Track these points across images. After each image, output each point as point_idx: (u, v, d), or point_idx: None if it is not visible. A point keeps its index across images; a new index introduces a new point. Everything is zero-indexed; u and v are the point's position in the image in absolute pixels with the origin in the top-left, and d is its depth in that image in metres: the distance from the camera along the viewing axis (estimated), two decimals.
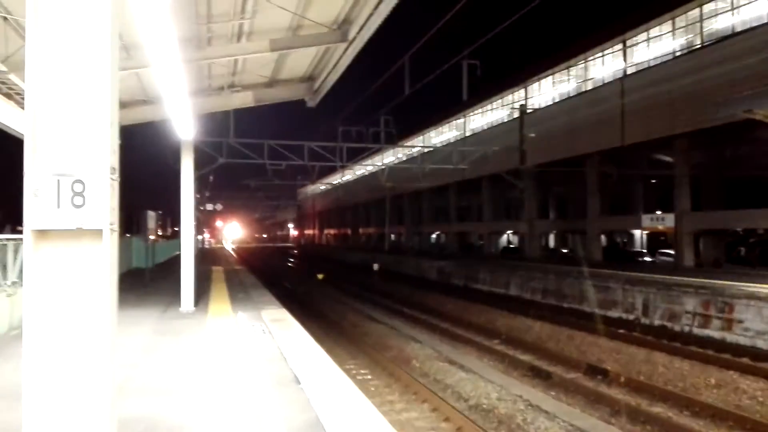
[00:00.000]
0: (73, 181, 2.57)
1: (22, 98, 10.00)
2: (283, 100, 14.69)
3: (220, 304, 14.54)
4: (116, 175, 2.71)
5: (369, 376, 12.46)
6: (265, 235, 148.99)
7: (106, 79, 2.60)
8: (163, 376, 7.23)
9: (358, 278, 36.88)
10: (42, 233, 2.56)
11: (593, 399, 10.65)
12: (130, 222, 22.41)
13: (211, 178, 35.69)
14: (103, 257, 2.60)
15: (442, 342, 16.13)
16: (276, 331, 10.46)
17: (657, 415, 9.53)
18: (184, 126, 11.52)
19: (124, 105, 13.25)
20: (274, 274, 38.96)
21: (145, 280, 19.42)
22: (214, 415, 5.63)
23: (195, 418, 5.55)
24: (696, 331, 16.13)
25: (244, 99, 14.24)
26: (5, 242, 10.21)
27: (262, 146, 29.31)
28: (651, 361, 13.33)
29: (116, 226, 2.69)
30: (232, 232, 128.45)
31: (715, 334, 15.51)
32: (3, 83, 10.01)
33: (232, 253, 68.26)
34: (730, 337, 15.07)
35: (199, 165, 21.63)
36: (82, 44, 2.58)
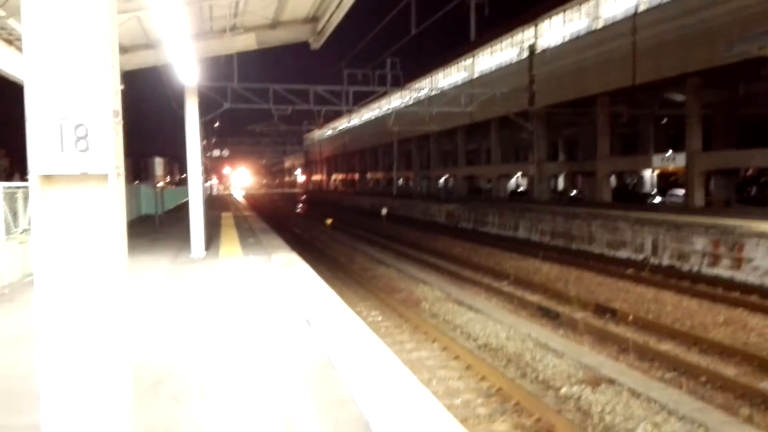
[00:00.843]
0: (76, 125, 2.54)
1: (20, 41, 9.84)
2: (287, 42, 14.41)
3: (230, 248, 14.65)
4: (119, 119, 2.67)
5: (379, 318, 12.63)
6: (273, 181, 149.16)
7: (104, 19, 2.53)
8: (176, 320, 7.34)
9: (366, 223, 37.02)
10: (48, 178, 2.54)
11: (601, 338, 10.77)
12: (138, 169, 22.44)
13: (217, 123, 35.44)
14: (109, 201, 2.58)
15: (451, 284, 16.26)
16: (286, 274, 10.56)
17: (665, 353, 9.63)
18: (187, 70, 11.36)
19: (125, 50, 13.05)
20: (282, 220, 39.17)
21: (155, 227, 19.56)
22: (225, 357, 5.72)
23: (207, 359, 5.65)
24: (705, 270, 16.17)
25: (246, 42, 13.98)
26: (15, 190, 10.24)
27: (267, 91, 28.97)
28: (659, 300, 13.42)
29: (122, 170, 2.67)
30: (241, 179, 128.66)
31: (725, 272, 15.55)
32: (2, 29, 9.85)
33: (241, 199, 68.48)
34: (739, 276, 15.11)
35: (203, 110, 21.47)
36: None
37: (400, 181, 66.86)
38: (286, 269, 11.16)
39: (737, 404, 7.67)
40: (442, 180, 58.72)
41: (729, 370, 8.93)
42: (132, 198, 23.81)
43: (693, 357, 9.58)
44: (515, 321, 11.88)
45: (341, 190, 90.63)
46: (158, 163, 18.97)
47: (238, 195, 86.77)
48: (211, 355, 5.80)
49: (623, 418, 7.11)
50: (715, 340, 10.26)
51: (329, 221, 37.14)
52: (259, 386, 4.90)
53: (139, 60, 13.58)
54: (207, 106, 25.61)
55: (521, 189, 47.31)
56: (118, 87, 2.68)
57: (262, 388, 4.84)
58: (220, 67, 23.90)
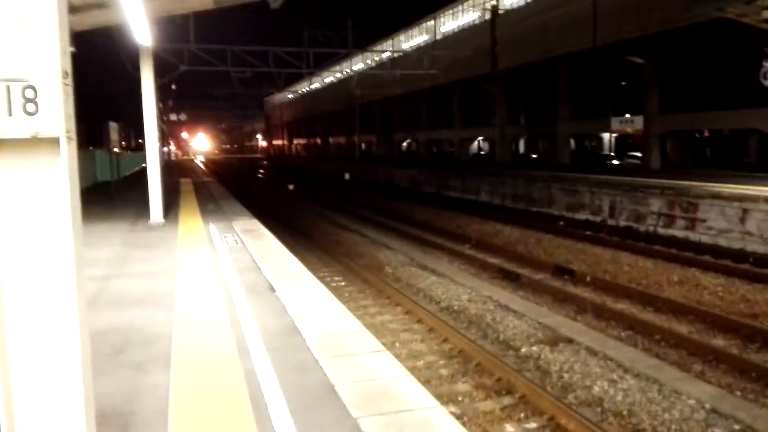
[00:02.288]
0: (24, 87, 2.43)
1: None
2: (245, 1, 14.03)
3: (190, 215, 14.43)
4: (69, 80, 2.55)
5: (343, 283, 12.66)
6: (233, 146, 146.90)
7: None
8: (136, 288, 7.23)
9: (329, 188, 36.85)
10: None
11: (560, 298, 11.00)
12: (92, 134, 21.80)
13: (174, 86, 34.55)
14: (61, 166, 2.49)
15: (414, 248, 16.36)
16: (248, 241, 10.47)
17: (620, 312, 9.90)
18: (142, 31, 10.98)
19: (76, 9, 12.51)
20: (243, 186, 38.70)
21: (112, 193, 19.12)
22: (189, 324, 5.67)
23: (170, 326, 5.59)
24: (661, 231, 16.60)
25: (203, 1, 13.56)
26: None
27: (225, 53, 28.34)
28: (616, 261, 13.75)
29: (73, 134, 2.56)
30: (200, 144, 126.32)
31: (679, 233, 15.99)
32: None
33: (200, 165, 67.36)
34: (693, 236, 15.56)
35: (160, 73, 20.87)
36: None
37: (363, 146, 66.59)
38: (248, 236, 11.06)
39: (690, 361, 7.95)
40: (405, 144, 58.67)
41: (682, 328, 9.23)
42: (87, 164, 23.15)
43: (648, 316, 9.87)
44: (477, 284, 12.04)
45: (303, 154, 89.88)
46: (113, 128, 18.44)
47: (198, 160, 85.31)
48: (174, 322, 5.73)
49: (581, 376, 7.31)
50: (669, 298, 10.58)
51: (291, 186, 36.86)
52: (223, 353, 4.87)
53: (92, 20, 13.05)
54: (163, 68, 24.91)
55: (483, 152, 47.61)
56: (67, 47, 2.56)
57: (226, 355, 4.82)
58: (177, 28, 23.23)
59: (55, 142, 2.46)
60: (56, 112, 2.44)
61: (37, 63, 2.43)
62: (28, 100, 2.44)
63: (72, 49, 2.66)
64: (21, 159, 2.49)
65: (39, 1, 2.41)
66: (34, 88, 2.44)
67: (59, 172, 2.50)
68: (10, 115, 2.42)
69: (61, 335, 2.52)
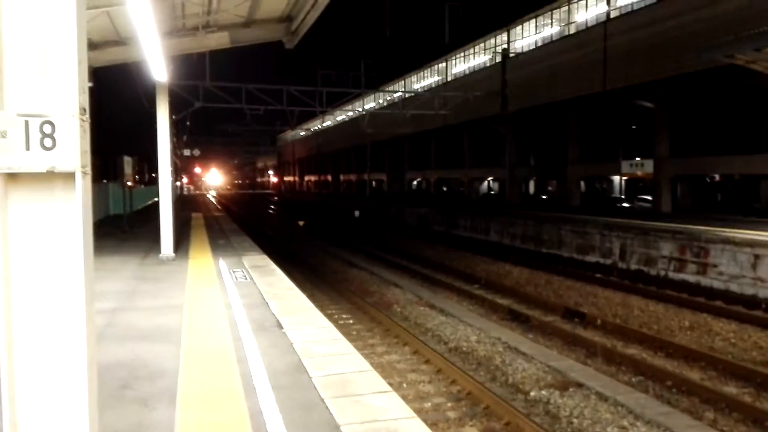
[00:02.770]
0: (42, 122, 2.48)
1: None
2: (261, 41, 14.30)
3: (200, 250, 14.48)
4: (87, 116, 2.60)
5: (351, 321, 12.60)
6: (245, 182, 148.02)
7: (71, 14, 2.48)
8: (144, 322, 7.21)
9: (339, 225, 36.94)
10: (12, 176, 2.48)
11: (570, 341, 10.88)
12: (106, 168, 22.04)
13: (188, 120, 35.04)
14: (76, 200, 2.52)
15: (423, 287, 16.30)
16: (257, 276, 10.47)
17: (631, 357, 9.77)
18: (159, 68, 11.20)
19: (95, 46, 12.82)
20: (254, 221, 38.87)
21: (124, 227, 19.23)
22: (196, 359, 5.64)
23: (177, 362, 5.56)
24: (672, 275, 16.45)
25: (219, 40, 13.84)
26: None
27: (240, 90, 28.76)
28: (627, 305, 13.62)
29: (89, 169, 2.61)
30: (212, 179, 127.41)
31: (691, 278, 15.85)
32: None
33: (212, 200, 67.83)
34: (704, 281, 15.41)
35: (175, 109, 21.21)
36: None
37: (374, 183, 66.90)
38: (257, 271, 11.06)
39: (702, 408, 7.81)
40: (415, 182, 58.89)
41: (694, 374, 9.09)
42: (100, 197, 23.39)
43: (659, 361, 9.73)
44: (486, 324, 11.95)
45: (314, 191, 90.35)
46: (127, 162, 18.65)
47: (210, 195, 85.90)
48: (181, 357, 5.70)
49: (591, 421, 7.19)
50: (681, 344, 10.44)
51: (301, 223, 36.96)
52: (229, 390, 4.83)
53: (110, 57, 13.36)
54: (178, 104, 25.33)
55: (493, 192, 47.68)
56: (86, 84, 2.62)
57: (232, 392, 4.78)
58: (192, 65, 23.65)
59: (70, 176, 2.50)
60: (73, 148, 2.48)
61: (56, 99, 2.48)
62: (45, 135, 2.49)
63: (89, 84, 2.71)
64: (37, 192, 2.53)
65: (60, 40, 2.48)
66: (52, 124, 2.49)
67: (74, 206, 2.53)
68: (28, 149, 2.46)
69: (69, 367, 2.52)
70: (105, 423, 2.85)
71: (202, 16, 12.59)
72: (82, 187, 2.52)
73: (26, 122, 2.47)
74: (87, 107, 2.61)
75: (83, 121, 2.54)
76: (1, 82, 2.44)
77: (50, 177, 2.51)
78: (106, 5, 9.52)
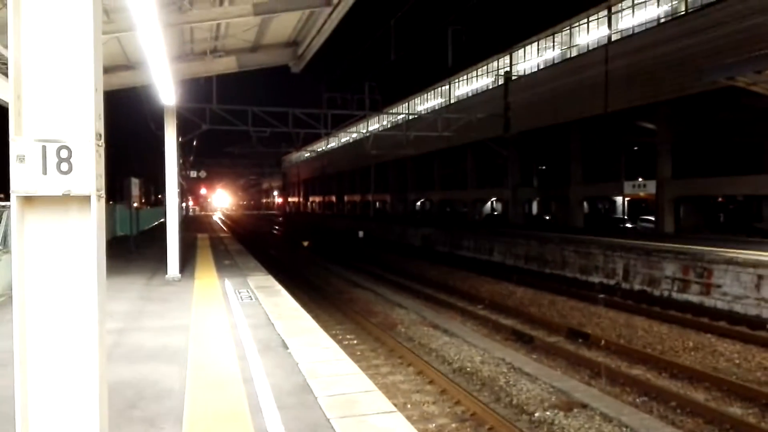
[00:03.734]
0: (59, 147, 2.57)
1: (6, 65, 9.78)
2: (267, 66, 14.53)
3: (206, 270, 14.56)
4: (102, 141, 2.70)
5: (355, 341, 12.61)
6: (250, 203, 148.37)
7: (89, 43, 2.58)
8: (150, 342, 7.28)
9: (343, 245, 37.00)
10: (28, 200, 2.57)
11: (574, 362, 10.88)
12: (113, 189, 22.23)
13: (195, 142, 35.34)
14: (90, 223, 2.61)
15: (427, 307, 16.31)
16: (263, 297, 10.53)
17: (636, 377, 9.76)
18: (167, 91, 11.38)
19: (105, 70, 12.94)
20: (259, 242, 38.95)
21: (130, 248, 19.35)
22: (203, 379, 5.70)
23: (183, 382, 5.62)
24: (675, 295, 16.44)
25: (227, 64, 14.06)
26: None
27: (246, 113, 29.04)
28: (631, 325, 13.61)
29: (103, 193, 2.69)
30: (218, 201, 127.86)
31: (694, 298, 15.83)
32: None
33: (217, 221, 68.01)
34: (708, 302, 15.40)
35: (182, 131, 21.42)
36: (64, 7, 2.55)
37: (378, 204, 67.06)
38: (262, 292, 11.13)
39: (707, 429, 7.80)
40: (418, 203, 59.03)
41: (699, 395, 9.08)
42: (107, 218, 23.49)
43: (663, 382, 9.72)
44: (490, 345, 11.95)
45: (319, 212, 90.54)
46: (134, 184, 18.83)
47: (215, 216, 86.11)
48: (187, 377, 5.76)
49: None
50: (685, 364, 10.43)
51: (306, 243, 37.04)
52: (235, 410, 4.88)
53: (119, 81, 13.57)
54: (185, 126, 25.59)
55: (497, 213, 47.77)
56: (101, 110, 2.72)
57: (238, 412, 4.83)
58: (200, 87, 23.98)
59: (86, 200, 2.59)
60: (89, 172, 2.57)
61: (73, 125, 2.57)
62: (62, 160, 2.58)
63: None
64: (53, 215, 2.61)
65: (77, 67, 2.58)
66: (68, 149, 2.58)
67: (88, 229, 2.62)
68: (45, 173, 2.55)
69: (80, 385, 2.59)
70: None
71: (210, 41, 12.83)
72: (97, 210, 2.61)
73: (44, 147, 2.56)
74: (102, 133, 2.71)
75: (98, 146, 2.63)
76: (20, 108, 2.54)
77: (66, 200, 2.59)
78: (117, 31, 9.72)
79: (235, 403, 5.05)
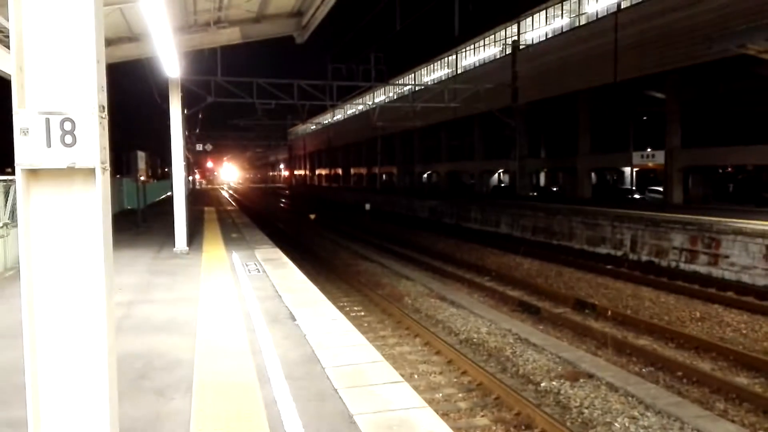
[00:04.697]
0: (63, 120, 2.55)
1: (7, 37, 9.73)
2: (272, 36, 14.39)
3: (213, 243, 14.62)
4: (105, 114, 2.68)
5: (362, 313, 12.69)
6: (256, 176, 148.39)
7: (90, 14, 2.55)
8: (159, 314, 7.34)
9: (349, 218, 37.05)
10: (33, 173, 2.56)
11: (581, 332, 10.92)
12: (119, 162, 22.22)
13: (200, 115, 35.26)
14: (95, 196, 2.60)
15: (434, 279, 16.36)
16: (270, 269, 10.58)
17: (642, 347, 9.80)
18: (171, 63, 11.31)
19: (108, 42, 12.93)
20: (266, 215, 39.05)
21: (137, 221, 19.43)
22: (211, 351, 5.75)
23: (192, 353, 5.67)
24: (683, 266, 16.42)
25: (231, 35, 13.93)
26: None
27: (251, 85, 28.88)
28: (638, 296, 13.62)
29: (107, 165, 2.68)
30: (224, 174, 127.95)
31: (702, 269, 15.81)
32: None
33: (224, 194, 68.13)
34: (716, 272, 15.37)
35: (187, 104, 21.33)
36: None
37: (384, 176, 66.93)
38: (269, 264, 11.17)
39: (713, 398, 7.83)
40: (425, 175, 58.87)
41: (705, 365, 9.11)
42: (114, 192, 23.60)
43: (670, 352, 9.75)
44: (496, 316, 12.00)
45: (325, 185, 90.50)
46: (140, 157, 18.82)
47: (222, 189, 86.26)
48: (196, 348, 5.81)
49: (601, 412, 7.24)
50: (692, 335, 10.45)
51: (312, 216, 37.10)
52: (244, 380, 4.93)
53: (123, 53, 13.48)
54: (190, 99, 25.49)
55: (504, 185, 47.61)
56: (104, 82, 2.70)
57: (247, 382, 4.88)
58: (204, 60, 23.80)
59: (90, 172, 2.58)
60: (92, 144, 2.55)
61: (76, 97, 2.55)
62: (66, 133, 2.56)
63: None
64: (57, 188, 2.60)
65: (79, 39, 2.55)
66: (72, 121, 2.56)
67: (93, 201, 2.61)
68: (49, 146, 2.54)
69: (89, 357, 2.60)
70: (122, 412, 2.94)
71: (213, 11, 12.68)
72: (102, 183, 2.60)
73: (47, 120, 2.54)
74: (105, 105, 2.69)
75: (102, 118, 2.61)
76: (22, 81, 2.52)
77: (70, 173, 2.58)
78: (120, 2, 9.62)
79: (244, 373, 5.09)
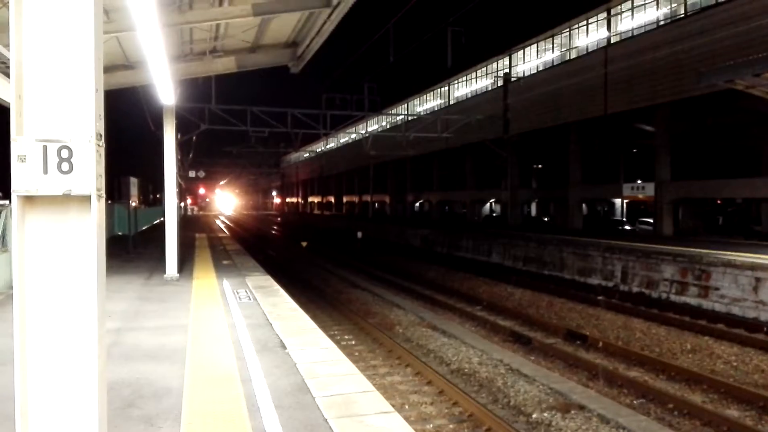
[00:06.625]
0: (60, 147, 2.58)
1: (7, 66, 9.79)
2: (267, 66, 14.54)
3: (204, 270, 14.56)
4: (102, 142, 2.71)
5: (353, 342, 12.62)
6: (249, 203, 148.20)
7: (89, 43, 2.59)
8: (148, 342, 7.28)
9: (341, 246, 37.00)
10: (29, 199, 2.58)
11: (572, 363, 10.90)
12: (111, 188, 22.23)
13: (194, 138, 35.39)
14: (91, 223, 2.62)
15: (425, 308, 16.32)
16: (261, 297, 10.54)
17: (633, 379, 9.79)
18: (166, 91, 11.38)
19: (104, 70, 13.00)
20: (257, 242, 38.94)
21: (128, 247, 19.34)
22: (201, 379, 5.70)
23: (182, 381, 5.62)
24: (673, 297, 16.47)
25: (226, 64, 14.07)
26: None
27: (245, 113, 29.07)
28: (629, 327, 13.63)
29: (103, 192, 2.71)
30: (216, 201, 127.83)
31: (692, 300, 15.86)
32: None
33: (216, 221, 67.96)
34: (706, 304, 15.42)
35: (181, 131, 21.42)
36: (65, 8, 2.56)
37: (376, 205, 67.06)
38: (260, 292, 11.13)
39: (704, 431, 7.81)
40: (417, 204, 59.02)
41: (696, 397, 9.10)
42: (106, 218, 23.50)
43: (661, 384, 9.74)
44: (488, 346, 11.97)
45: (317, 212, 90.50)
46: (133, 183, 18.84)
47: (214, 216, 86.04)
48: (185, 377, 5.77)
49: None
50: (683, 367, 10.44)
51: (304, 243, 37.04)
52: (233, 409, 4.89)
53: (118, 80, 13.57)
54: (184, 126, 25.59)
55: (495, 214, 47.79)
56: (101, 110, 2.73)
57: (236, 412, 4.84)
58: (199, 87, 23.97)
59: (86, 199, 2.60)
60: (89, 172, 2.58)
61: (73, 125, 2.58)
62: (63, 160, 2.59)
63: None
64: (53, 215, 2.62)
65: (78, 68, 2.59)
66: (69, 149, 2.59)
67: (88, 228, 2.63)
68: (46, 173, 2.56)
69: (80, 383, 2.59)
70: None
71: (209, 41, 12.83)
72: (97, 210, 2.62)
73: (44, 147, 2.57)
74: (102, 133, 2.72)
75: (99, 146, 2.64)
76: (21, 108, 2.55)
77: (66, 200, 2.61)
78: (117, 31, 9.72)
79: (233, 402, 5.05)
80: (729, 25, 22.15)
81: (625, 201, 36.55)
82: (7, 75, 9.10)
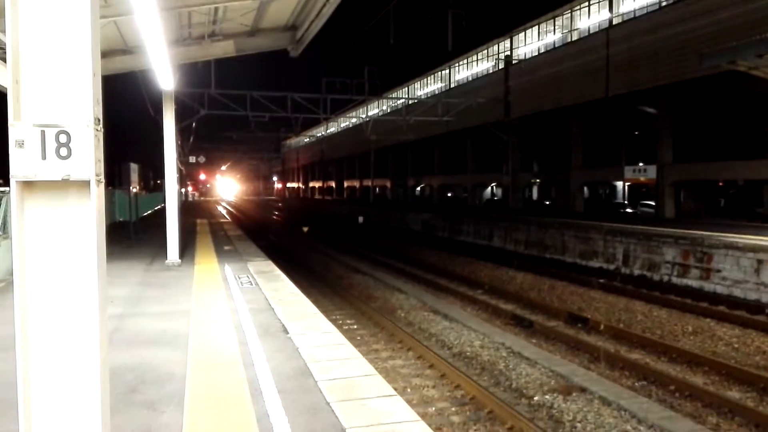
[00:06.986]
0: (58, 132, 2.56)
1: (4, 51, 9.74)
2: (266, 50, 14.43)
3: (206, 256, 14.57)
4: (101, 126, 2.69)
5: (355, 326, 12.66)
6: (250, 188, 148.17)
7: (86, 27, 2.56)
8: (151, 327, 7.30)
9: (342, 231, 37.02)
10: (28, 185, 2.56)
11: (574, 346, 10.93)
12: (111, 174, 22.16)
13: (194, 123, 35.31)
14: (90, 208, 2.60)
15: (427, 293, 16.35)
16: (263, 282, 10.55)
17: (635, 361, 9.81)
18: (165, 76, 11.32)
19: (102, 55, 12.86)
20: (258, 227, 38.97)
21: (129, 233, 19.35)
22: (203, 364, 5.72)
23: (184, 366, 5.64)
24: (675, 280, 16.49)
25: (225, 48, 13.97)
26: None
27: (245, 97, 28.96)
28: (630, 310, 13.65)
29: (102, 177, 2.69)
30: (217, 186, 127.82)
31: (694, 283, 15.87)
32: None
33: (217, 207, 67.97)
34: (708, 286, 15.44)
35: (180, 116, 21.35)
36: None
37: (377, 189, 67.04)
38: (262, 277, 11.14)
39: (705, 413, 7.84)
40: (418, 188, 58.99)
41: (697, 379, 9.13)
42: (106, 203, 23.49)
43: (662, 366, 9.77)
44: (489, 329, 11.99)
45: (318, 197, 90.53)
46: (133, 169, 18.79)
47: (214, 201, 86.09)
48: (188, 362, 5.78)
49: (594, 426, 7.23)
50: (684, 349, 10.47)
51: (305, 229, 37.06)
52: (236, 394, 4.91)
53: (117, 65, 13.49)
54: (184, 112, 25.50)
55: (497, 198, 47.75)
56: (100, 95, 2.71)
57: (239, 396, 4.86)
58: (198, 72, 23.86)
59: (85, 185, 2.58)
60: (87, 157, 2.56)
61: (71, 110, 2.56)
62: (61, 145, 2.57)
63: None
64: (52, 200, 2.60)
65: (75, 52, 2.56)
66: (67, 134, 2.57)
67: (88, 214, 2.61)
68: (44, 158, 2.54)
69: (82, 370, 2.59)
70: (114, 426, 2.92)
71: (208, 25, 12.73)
72: (96, 195, 2.60)
73: (42, 132, 2.55)
74: (101, 117, 2.69)
75: (97, 131, 2.62)
76: (18, 93, 2.53)
77: (65, 185, 2.59)
78: (115, 15, 9.65)
79: (236, 387, 5.07)
80: (732, 5, 21.96)
81: (626, 184, 36.46)
82: (4, 60, 9.04)
